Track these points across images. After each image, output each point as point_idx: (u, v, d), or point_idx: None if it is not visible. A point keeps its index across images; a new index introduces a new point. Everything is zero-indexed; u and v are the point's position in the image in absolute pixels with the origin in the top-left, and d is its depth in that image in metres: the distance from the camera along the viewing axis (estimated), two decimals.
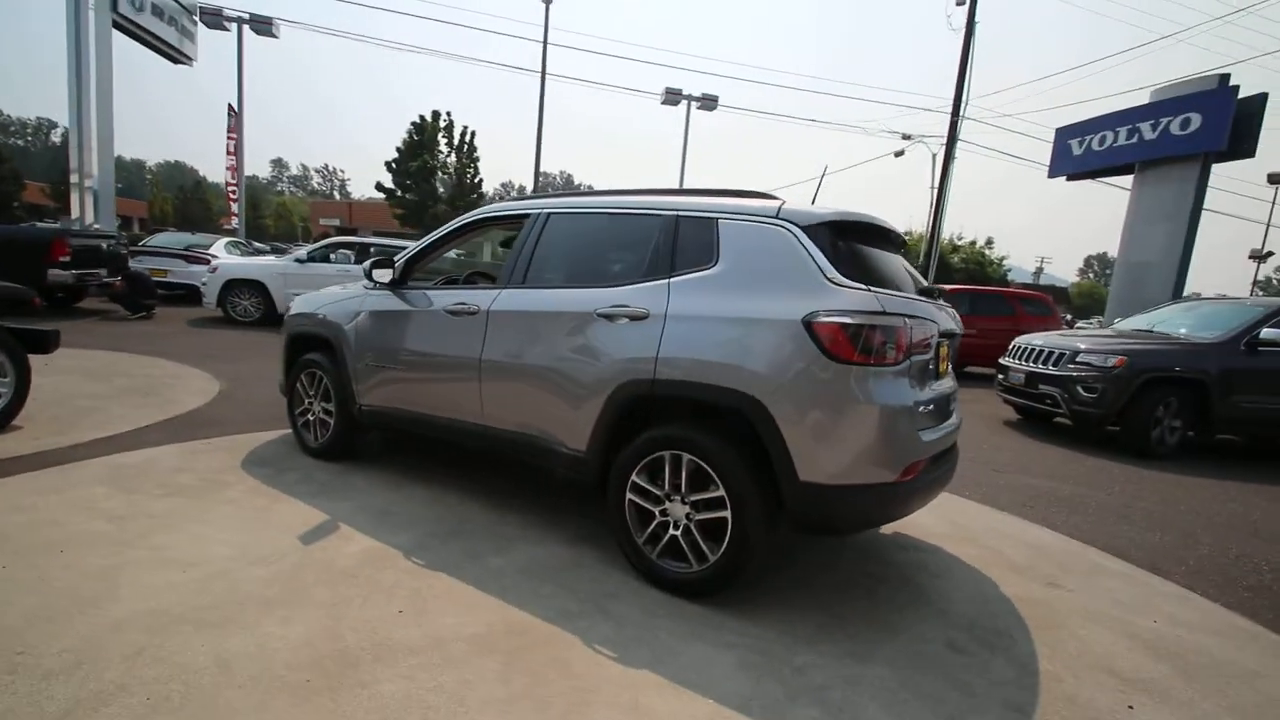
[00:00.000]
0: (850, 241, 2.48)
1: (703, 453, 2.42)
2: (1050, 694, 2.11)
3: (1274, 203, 30.66)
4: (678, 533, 2.52)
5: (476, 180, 30.40)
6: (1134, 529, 3.98)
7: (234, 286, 9.94)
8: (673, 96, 20.26)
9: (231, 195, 17.00)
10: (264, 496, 3.26)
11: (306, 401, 4.04)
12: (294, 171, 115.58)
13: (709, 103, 20.62)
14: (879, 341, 2.24)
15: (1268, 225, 31.48)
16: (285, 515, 3.04)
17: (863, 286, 2.32)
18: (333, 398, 3.84)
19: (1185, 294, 16.17)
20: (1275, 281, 43.38)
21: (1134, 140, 17.47)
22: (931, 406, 2.48)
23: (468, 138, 30.09)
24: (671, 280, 2.61)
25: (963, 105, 22.65)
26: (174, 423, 4.49)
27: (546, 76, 18.26)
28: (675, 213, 2.73)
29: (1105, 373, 6.07)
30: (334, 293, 4.12)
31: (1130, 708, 2.08)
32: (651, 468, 2.59)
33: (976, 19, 20.62)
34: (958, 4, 21.61)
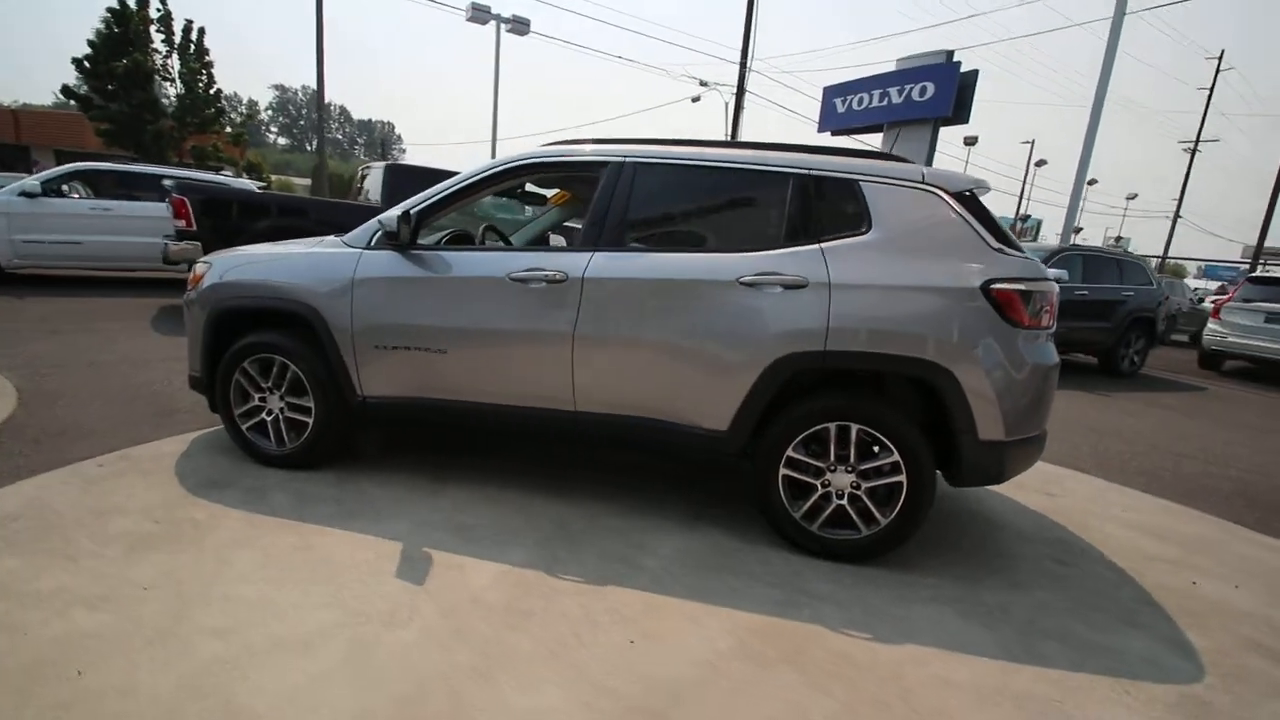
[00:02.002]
0: (981, 207, 2.60)
1: (879, 422, 2.43)
2: (1148, 583, 2.63)
3: (967, 161, 38.89)
4: (843, 501, 2.53)
5: (213, 91, 24.63)
6: None
7: None
8: (480, 14, 18.27)
9: None
10: (280, 530, 2.47)
11: (257, 398, 3.07)
12: None
13: (520, 26, 19.06)
14: (1041, 305, 2.43)
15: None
16: (343, 551, 2.35)
17: (1018, 252, 2.47)
18: (310, 390, 2.98)
19: None
20: None
21: (884, 103, 20.27)
22: None
23: (194, 36, 24.00)
24: (824, 246, 2.49)
25: (749, 58, 24.25)
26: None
27: None
28: (808, 172, 2.58)
29: None
30: (282, 252, 3.13)
31: (1194, 583, 2.69)
32: (809, 440, 2.53)
33: None
34: None
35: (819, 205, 2.55)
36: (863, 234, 2.49)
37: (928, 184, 2.50)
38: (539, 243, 4.15)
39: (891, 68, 20.41)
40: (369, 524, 2.58)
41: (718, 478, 3.40)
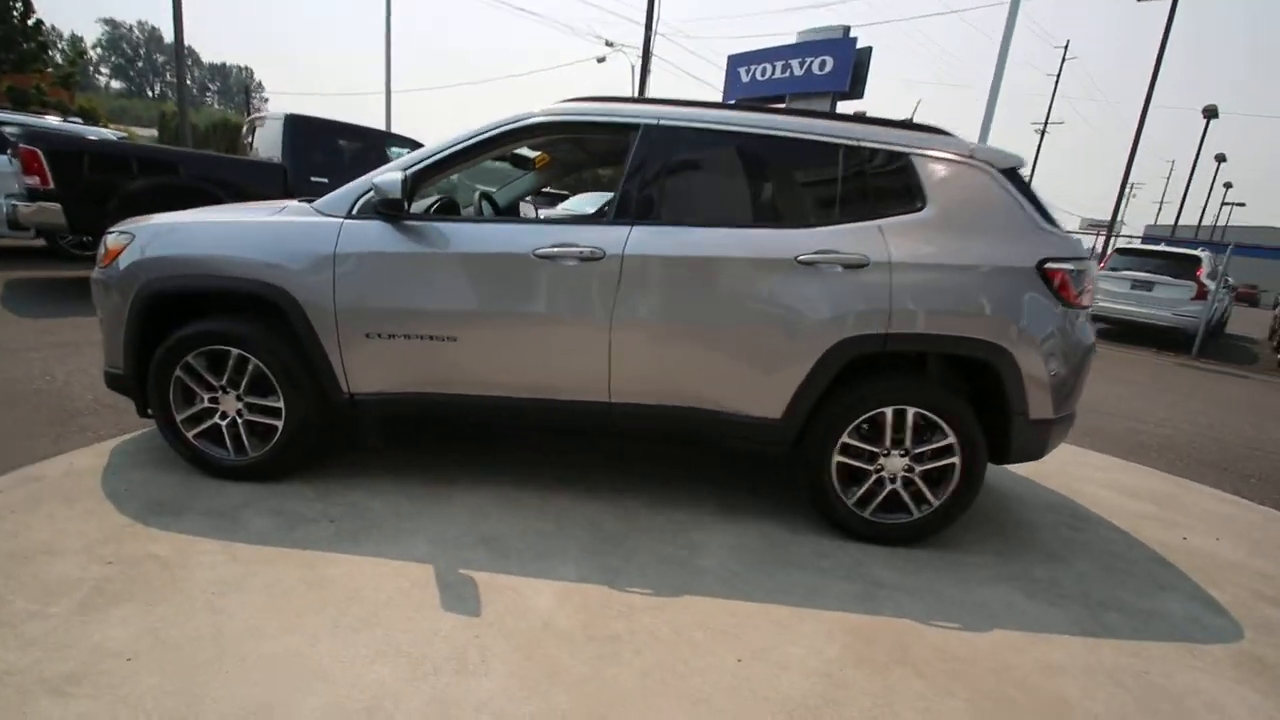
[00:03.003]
0: (1025, 184, 2.57)
1: (936, 404, 2.38)
2: (1150, 541, 2.82)
3: None
4: (896, 485, 2.47)
5: (32, 22, 20.75)
6: None
7: None
8: None
9: None
10: (275, 562, 2.04)
11: (206, 399, 2.54)
12: None
13: None
14: (1085, 284, 2.46)
15: None
16: (367, 583, 1.98)
17: (1062, 230, 2.47)
18: (279, 388, 2.49)
19: None
20: None
21: (787, 75, 20.59)
22: None
23: None
24: (882, 223, 2.37)
25: (655, 21, 23.79)
26: None
27: None
28: (859, 143, 2.43)
29: None
30: (228, 220, 2.58)
31: (1185, 539, 2.91)
32: (863, 425, 2.44)
33: None
34: None
35: (872, 179, 2.42)
36: (918, 210, 2.39)
37: (977, 160, 2.44)
38: (512, 210, 3.75)
39: (793, 40, 20.68)
40: (382, 545, 2.21)
41: (742, 463, 3.25)
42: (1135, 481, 3.67)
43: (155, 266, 2.47)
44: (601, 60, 24.90)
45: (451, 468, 2.87)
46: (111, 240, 2.59)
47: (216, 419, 2.55)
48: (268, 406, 2.53)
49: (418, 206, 2.76)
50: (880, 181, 2.43)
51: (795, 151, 2.47)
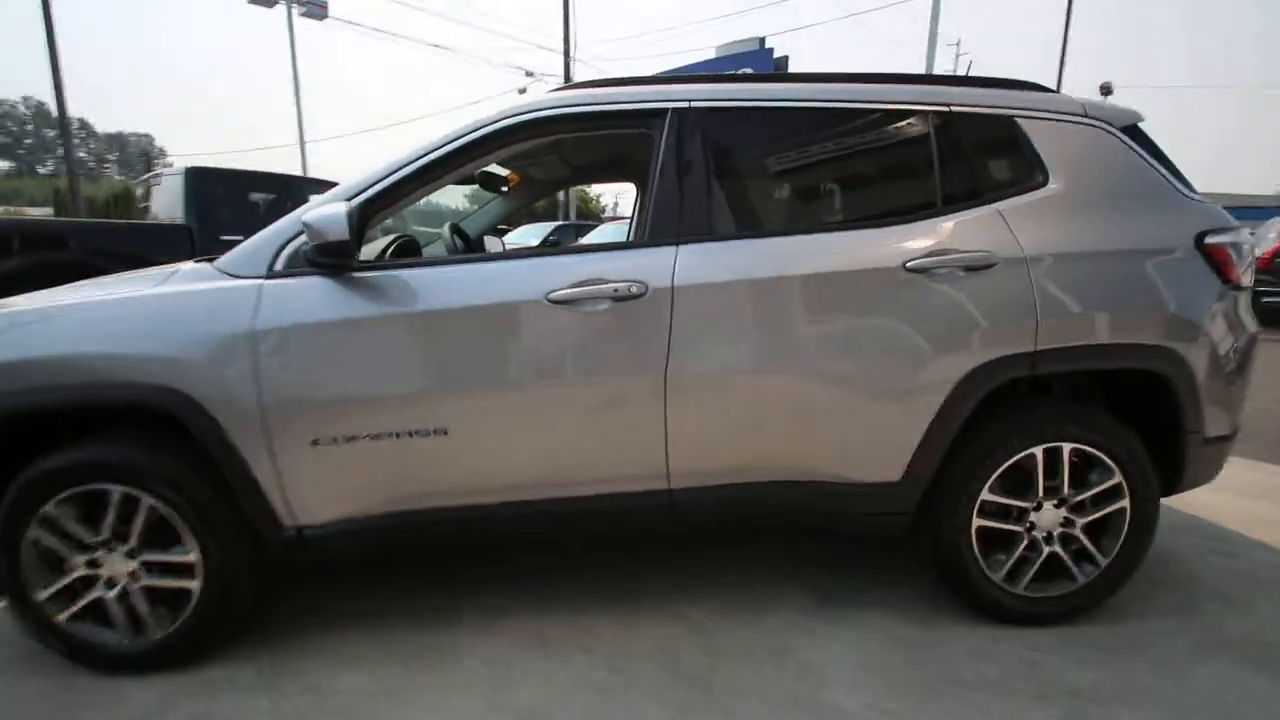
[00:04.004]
0: (1152, 143, 2.06)
1: (1096, 436, 1.81)
2: None
3: None
4: (1054, 546, 1.88)
5: None
6: None
7: None
8: None
9: None
10: None
11: (80, 564, 1.72)
12: None
13: (316, 9, 16.43)
14: (1246, 258, 1.95)
15: None
16: None
17: (1202, 196, 1.97)
18: (190, 534, 1.70)
19: None
20: None
21: None
22: None
23: None
24: (1001, 207, 1.81)
25: (573, 47, 23.66)
26: None
27: None
28: (949, 108, 1.87)
29: None
30: (87, 301, 1.78)
31: None
32: (1007, 474, 1.85)
33: None
34: None
35: (976, 152, 1.87)
36: (1040, 186, 1.84)
37: (1091, 118, 1.91)
38: (479, 246, 3.04)
39: (712, 55, 20.91)
40: None
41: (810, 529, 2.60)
42: (1244, 477, 3.20)
43: None
44: (523, 91, 24.43)
45: (445, 598, 2.11)
46: None
47: (100, 589, 1.74)
48: (174, 563, 1.73)
49: (366, 252, 2.04)
50: (987, 154, 1.89)
51: (871, 125, 1.89)
